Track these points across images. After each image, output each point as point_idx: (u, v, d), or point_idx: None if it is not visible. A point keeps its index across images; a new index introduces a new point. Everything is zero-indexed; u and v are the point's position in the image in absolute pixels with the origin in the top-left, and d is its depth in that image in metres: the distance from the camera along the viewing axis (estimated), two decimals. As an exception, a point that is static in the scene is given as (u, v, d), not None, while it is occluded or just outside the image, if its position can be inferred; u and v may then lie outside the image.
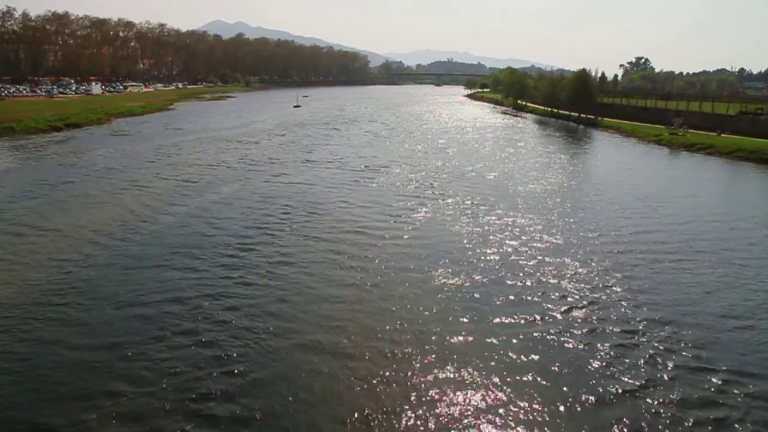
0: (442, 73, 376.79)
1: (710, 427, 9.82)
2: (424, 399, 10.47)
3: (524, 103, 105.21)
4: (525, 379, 11.13)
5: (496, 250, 19.18)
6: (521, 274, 16.88)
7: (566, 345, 12.57)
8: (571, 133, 66.60)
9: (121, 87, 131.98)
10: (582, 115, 76.32)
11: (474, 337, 12.79)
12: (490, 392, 10.70)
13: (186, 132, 57.26)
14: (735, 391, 10.81)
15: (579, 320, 13.86)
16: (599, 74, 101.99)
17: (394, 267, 17.23)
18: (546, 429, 9.69)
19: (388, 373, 11.25)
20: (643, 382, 11.10)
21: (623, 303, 14.87)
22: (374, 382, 10.96)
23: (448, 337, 12.75)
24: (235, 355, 11.79)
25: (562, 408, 10.21)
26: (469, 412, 10.12)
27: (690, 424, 9.90)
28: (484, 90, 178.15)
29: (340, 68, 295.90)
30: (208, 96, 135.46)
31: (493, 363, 11.68)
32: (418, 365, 11.60)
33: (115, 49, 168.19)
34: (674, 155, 47.69)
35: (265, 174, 33.68)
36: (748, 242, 21.04)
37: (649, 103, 79.46)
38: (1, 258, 17.49)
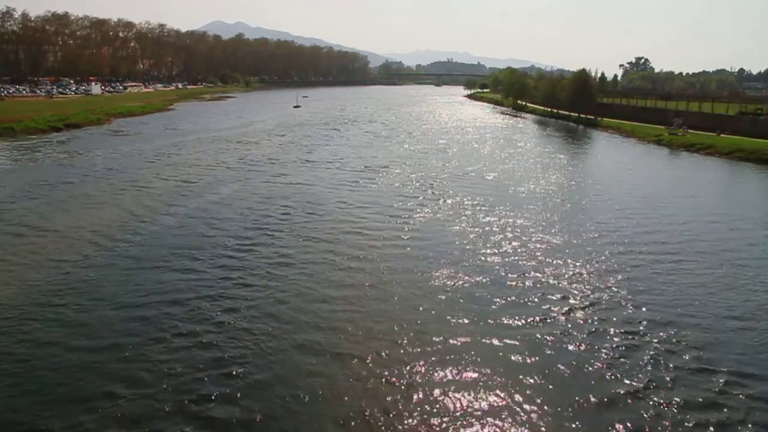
0: (442, 74, 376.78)
1: (711, 429, 9.79)
2: (424, 401, 10.43)
3: (524, 103, 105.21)
4: (525, 380, 11.10)
5: (496, 251, 19.15)
6: (521, 275, 16.86)
7: (567, 346, 12.54)
8: (570, 134, 66.59)
9: (121, 87, 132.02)
10: (582, 116, 76.32)
11: (474, 339, 12.75)
12: (490, 394, 10.67)
13: (186, 132, 57.24)
14: (736, 393, 10.78)
15: (579, 321, 13.83)
16: (599, 74, 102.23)
17: (393, 268, 17.20)
18: (547, 431, 9.66)
19: (387, 375, 11.22)
20: (644, 383, 11.07)
21: (624, 304, 14.84)
22: (374, 383, 10.93)
23: (448, 339, 12.71)
24: (234, 356, 11.76)
25: (563, 409, 10.18)
26: (470, 414, 10.10)
27: (691, 425, 9.87)
28: (484, 90, 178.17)
29: (340, 68, 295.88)
30: (207, 96, 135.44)
31: (493, 364, 11.65)
32: (418, 367, 11.56)
33: (114, 49, 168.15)
34: (674, 155, 47.68)
35: (264, 174, 33.66)
36: (748, 243, 21.02)
37: (648, 103, 79.47)
38: (0, 258, 17.46)
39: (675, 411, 10.22)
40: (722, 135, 52.41)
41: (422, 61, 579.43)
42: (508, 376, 11.25)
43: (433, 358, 11.85)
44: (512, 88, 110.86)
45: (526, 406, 10.26)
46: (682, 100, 78.18)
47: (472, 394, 10.64)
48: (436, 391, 10.70)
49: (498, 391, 10.73)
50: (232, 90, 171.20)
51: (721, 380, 11.20)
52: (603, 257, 18.58)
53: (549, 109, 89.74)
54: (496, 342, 12.61)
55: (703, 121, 59.20)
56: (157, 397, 10.32)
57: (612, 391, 10.79)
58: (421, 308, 14.32)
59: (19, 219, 22.20)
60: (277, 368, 11.40)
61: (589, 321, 13.86)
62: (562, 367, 11.57)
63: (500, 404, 10.36)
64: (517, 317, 13.89)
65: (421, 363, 11.69)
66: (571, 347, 12.49)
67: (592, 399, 10.51)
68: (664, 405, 10.40)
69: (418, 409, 10.18)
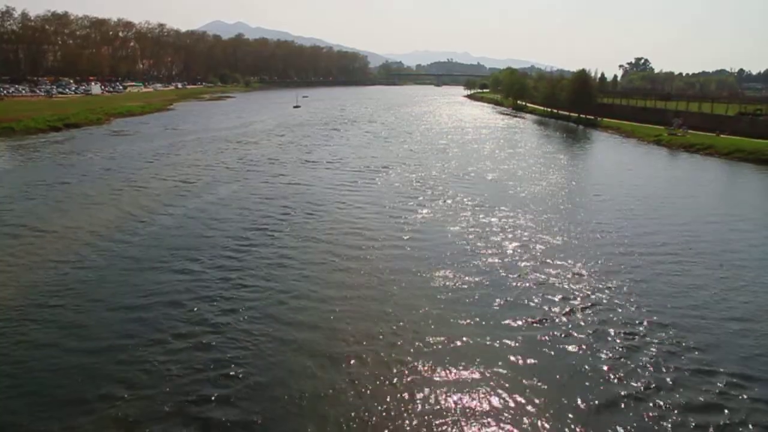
0: (442, 74, 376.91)
1: (712, 431, 9.75)
2: (423, 403, 10.38)
3: (524, 103, 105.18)
4: (525, 381, 11.04)
5: (496, 252, 19.10)
6: (521, 276, 16.81)
7: (567, 347, 12.49)
8: (570, 134, 66.56)
9: (121, 87, 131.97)
10: (581, 116, 76.28)
11: (474, 340, 12.69)
12: (490, 395, 10.62)
13: (185, 132, 57.18)
14: (737, 395, 10.73)
15: (580, 322, 13.78)
16: (599, 75, 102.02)
17: (393, 268, 17.15)
18: (546, 433, 9.63)
19: (387, 377, 11.17)
20: (645, 385, 11.02)
21: (624, 304, 14.79)
22: (373, 385, 10.87)
23: (447, 340, 12.66)
24: (233, 358, 11.70)
25: (563, 411, 10.13)
26: (470, 416, 10.04)
27: (692, 427, 9.82)
28: (484, 90, 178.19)
29: (339, 68, 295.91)
30: (207, 96, 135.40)
31: (493, 366, 11.59)
32: (418, 368, 11.51)
33: (114, 49, 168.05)
34: (674, 156, 47.65)
35: (264, 174, 33.60)
36: (748, 244, 20.98)
37: (648, 103, 79.41)
38: (-2, 259, 17.41)
39: (676, 413, 10.17)
40: (722, 135, 52.38)
41: (422, 62, 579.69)
42: (509, 377, 11.20)
43: (433, 360, 11.79)
44: (512, 89, 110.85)
45: (527, 408, 10.21)
46: (682, 100, 78.12)
47: (472, 396, 10.58)
48: (436, 393, 10.64)
49: (498, 393, 10.68)
50: (232, 90, 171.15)
51: (722, 382, 11.15)
52: (603, 258, 18.53)
53: (549, 110, 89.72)
54: (496, 343, 12.56)
55: (702, 122, 59.17)
56: (155, 398, 10.27)
57: (612, 393, 10.74)
58: (420, 309, 14.27)
59: (18, 219, 22.15)
60: (276, 370, 11.35)
61: (590, 322, 13.81)
62: (563, 369, 11.52)
63: (500, 406, 10.31)
64: (517, 318, 13.84)
65: (421, 365, 11.63)
66: (571, 348, 12.44)
67: (593, 401, 10.46)
68: (665, 407, 10.35)
69: (418, 411, 10.12)
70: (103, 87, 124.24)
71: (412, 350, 12.22)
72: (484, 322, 13.60)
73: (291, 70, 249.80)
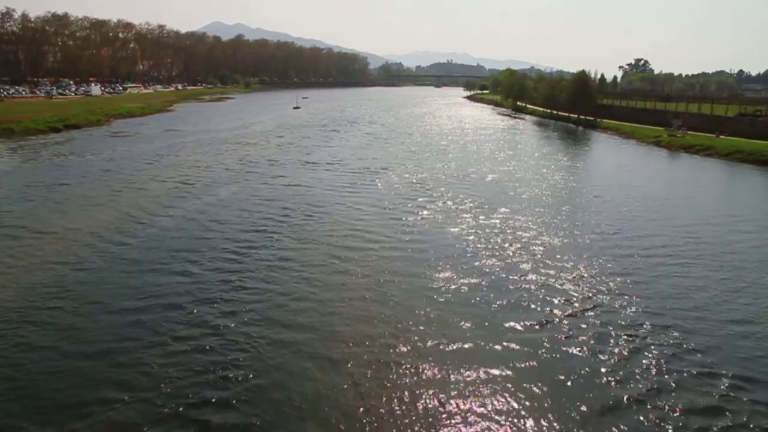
0: (442, 75, 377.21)
1: (714, 435, 9.73)
2: (423, 407, 10.32)
3: (524, 104, 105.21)
4: (526, 385, 10.99)
5: (496, 254, 19.06)
6: (522, 278, 16.76)
7: (568, 350, 12.43)
8: (570, 135, 66.56)
9: (121, 88, 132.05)
10: (581, 117, 76.29)
11: (474, 343, 12.63)
12: (491, 399, 10.56)
13: (185, 133, 57.18)
14: (739, 398, 10.68)
15: (580, 325, 13.72)
16: (598, 76, 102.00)
17: (393, 270, 17.10)
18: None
19: (386, 380, 11.11)
20: (647, 388, 10.96)
21: (625, 307, 14.74)
22: (372, 389, 10.82)
23: (448, 343, 12.60)
24: (232, 361, 11.64)
25: (564, 415, 10.07)
26: (470, 420, 9.98)
27: (694, 430, 9.78)
28: (484, 91, 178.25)
29: (339, 70, 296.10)
30: (207, 97, 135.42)
31: (494, 369, 11.53)
32: (418, 372, 11.45)
33: (114, 50, 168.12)
34: (673, 157, 47.65)
35: (263, 176, 33.57)
36: (749, 245, 20.94)
37: (648, 104, 79.40)
38: (-4, 261, 17.38)
39: (677, 416, 10.12)
40: (721, 136, 52.39)
41: (422, 63, 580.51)
42: (509, 380, 11.15)
43: (433, 363, 11.74)
44: (512, 90, 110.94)
45: (527, 411, 10.16)
46: (682, 101, 78.13)
47: (473, 399, 10.52)
48: (436, 396, 10.59)
49: (498, 397, 10.63)
50: (232, 91, 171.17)
51: (724, 385, 11.09)
52: (603, 259, 18.50)
53: (548, 111, 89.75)
54: (496, 345, 12.51)
55: (702, 123, 59.18)
56: (154, 402, 10.21)
57: (614, 396, 10.69)
58: (420, 311, 14.23)
59: (17, 221, 22.10)
60: (275, 372, 11.30)
61: (590, 324, 13.76)
62: (563, 371, 11.46)
63: (501, 409, 10.25)
64: (517, 320, 13.79)
65: (421, 367, 11.58)
66: (571, 350, 12.39)
67: (594, 403, 10.41)
68: (667, 409, 10.29)
69: (418, 414, 10.07)
70: (103, 88, 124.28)
71: (412, 352, 12.17)
72: (484, 324, 13.56)
73: (291, 71, 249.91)
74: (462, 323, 13.60)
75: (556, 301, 15.09)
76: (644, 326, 13.63)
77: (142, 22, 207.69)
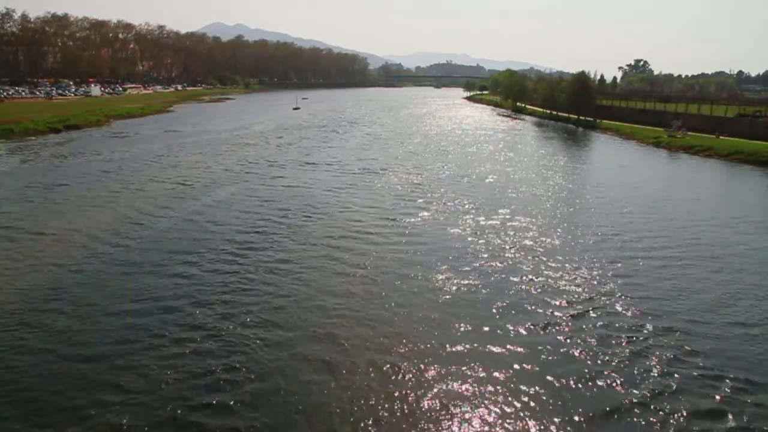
0: (441, 75, 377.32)
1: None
2: (422, 411, 10.23)
3: (523, 105, 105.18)
4: (527, 389, 10.91)
5: (496, 255, 19.00)
6: (522, 280, 16.68)
7: (568, 353, 12.35)
8: (570, 136, 66.54)
9: (120, 89, 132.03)
10: (581, 118, 76.23)
11: (475, 346, 12.54)
12: (491, 403, 10.48)
13: (184, 134, 57.14)
14: (742, 401, 10.60)
15: (581, 328, 13.64)
16: (598, 76, 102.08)
17: (392, 273, 17.02)
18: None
19: (385, 384, 11.03)
20: (649, 391, 10.87)
21: (626, 309, 14.66)
22: (371, 393, 10.73)
23: (448, 347, 12.52)
24: (230, 364, 11.55)
25: (565, 419, 9.99)
26: (472, 423, 9.91)
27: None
28: (483, 92, 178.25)
29: (339, 70, 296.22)
30: (207, 98, 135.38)
31: (494, 372, 11.46)
32: (417, 376, 11.36)
33: (114, 50, 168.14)
34: (673, 157, 47.61)
35: (263, 177, 33.51)
36: (751, 247, 20.84)
37: (648, 105, 79.39)
38: (-6, 263, 17.31)
39: (680, 419, 10.04)
40: (721, 137, 52.37)
41: (421, 63, 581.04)
42: (510, 384, 11.07)
43: (433, 367, 11.65)
44: (511, 90, 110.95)
45: (528, 414, 10.08)
46: (681, 102, 78.17)
47: (473, 404, 10.44)
48: (436, 400, 10.51)
49: (499, 401, 10.54)
50: (232, 92, 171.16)
51: (727, 388, 11.02)
52: (604, 261, 18.43)
53: (548, 111, 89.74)
54: (497, 350, 12.43)
55: (702, 124, 59.18)
56: (151, 405, 10.12)
57: (615, 399, 10.61)
58: (420, 313, 14.15)
59: (15, 222, 22.03)
60: (273, 377, 11.20)
61: (591, 326, 13.69)
62: (564, 374, 11.37)
63: (501, 414, 10.17)
64: (517, 323, 13.71)
65: (420, 372, 11.49)
66: (572, 353, 12.31)
67: (595, 406, 10.32)
68: (669, 413, 10.21)
69: (418, 417, 9.99)
70: (102, 89, 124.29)
71: (412, 355, 12.08)
72: (484, 326, 13.48)
73: (290, 71, 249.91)
74: (462, 325, 13.53)
75: (556, 302, 15.02)
76: (645, 328, 13.55)
77: (141, 22, 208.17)
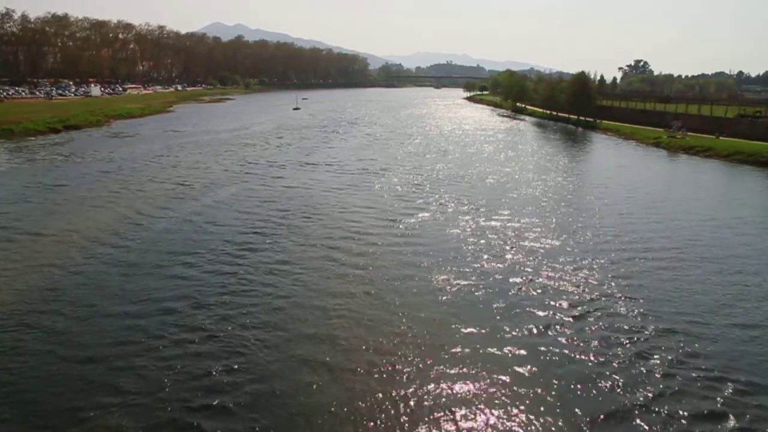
0: (441, 76, 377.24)
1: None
2: (422, 414, 10.18)
3: (523, 105, 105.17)
4: (528, 391, 10.87)
5: (497, 256, 18.97)
6: (523, 281, 16.65)
7: (570, 355, 12.30)
8: (570, 136, 66.51)
9: (121, 89, 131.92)
10: (581, 118, 76.25)
11: (475, 348, 12.49)
12: (492, 405, 10.43)
13: (184, 134, 57.10)
14: (744, 403, 10.56)
15: (582, 329, 13.60)
16: (598, 77, 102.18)
17: (392, 274, 16.98)
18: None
19: (386, 386, 10.98)
20: (650, 393, 10.83)
21: (627, 311, 14.62)
22: (371, 395, 10.68)
23: (448, 348, 12.48)
24: (229, 366, 11.51)
25: (566, 421, 9.95)
26: (471, 426, 9.87)
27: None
28: (483, 92, 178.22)
29: (339, 70, 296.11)
30: (207, 98, 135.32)
31: (495, 374, 11.41)
32: (417, 378, 11.31)
33: (114, 51, 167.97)
34: (673, 158, 47.60)
35: (262, 177, 33.47)
36: (751, 247, 20.82)
37: (648, 105, 79.37)
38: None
39: (682, 421, 10.00)
40: (721, 137, 52.37)
41: (421, 64, 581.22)
42: (510, 385, 11.03)
43: (433, 368, 11.61)
44: (511, 91, 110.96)
45: (529, 417, 10.03)
46: (681, 102, 78.16)
47: (473, 405, 10.40)
48: (436, 403, 10.46)
49: (500, 402, 10.51)
50: (232, 92, 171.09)
51: (728, 390, 10.98)
52: (604, 262, 18.40)
53: (548, 112, 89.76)
54: (497, 350, 12.39)
55: (702, 124, 59.18)
56: (150, 407, 10.07)
57: (615, 401, 10.57)
58: (420, 315, 14.11)
59: (14, 222, 21.99)
60: (272, 379, 11.16)
61: (592, 328, 13.65)
62: (565, 377, 11.33)
63: (502, 415, 10.13)
64: (518, 324, 13.67)
65: (420, 373, 11.45)
66: (573, 355, 12.27)
67: (597, 408, 10.28)
68: (670, 415, 10.17)
69: (416, 421, 9.95)
70: (102, 89, 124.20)
71: (411, 356, 12.04)
72: (485, 327, 13.44)
73: (291, 72, 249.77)
74: (462, 326, 13.48)
75: (556, 303, 14.98)
76: (646, 329, 13.52)
77: (142, 22, 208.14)
